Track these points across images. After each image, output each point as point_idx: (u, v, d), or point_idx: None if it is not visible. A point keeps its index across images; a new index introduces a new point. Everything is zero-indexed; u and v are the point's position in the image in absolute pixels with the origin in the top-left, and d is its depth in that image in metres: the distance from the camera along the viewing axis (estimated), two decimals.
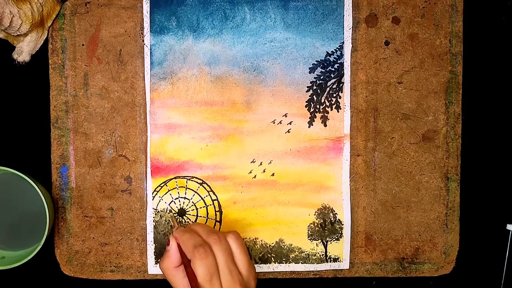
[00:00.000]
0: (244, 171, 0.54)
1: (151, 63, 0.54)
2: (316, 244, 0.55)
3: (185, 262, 0.45)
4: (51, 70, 0.54)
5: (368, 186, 0.55)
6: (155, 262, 0.55)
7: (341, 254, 0.55)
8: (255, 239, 0.55)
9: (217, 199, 0.55)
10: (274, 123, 0.54)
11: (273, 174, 0.55)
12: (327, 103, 0.54)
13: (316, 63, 0.54)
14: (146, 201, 0.54)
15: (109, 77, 0.54)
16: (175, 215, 0.54)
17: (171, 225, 0.54)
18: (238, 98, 0.54)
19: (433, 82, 0.54)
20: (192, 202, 0.55)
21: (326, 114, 0.54)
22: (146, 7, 0.53)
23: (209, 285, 0.44)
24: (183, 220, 0.55)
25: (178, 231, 0.46)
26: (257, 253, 0.55)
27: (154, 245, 0.54)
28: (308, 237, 0.55)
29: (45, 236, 0.49)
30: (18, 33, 0.50)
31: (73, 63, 0.54)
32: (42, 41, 0.53)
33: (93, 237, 0.54)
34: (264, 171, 0.54)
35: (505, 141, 0.56)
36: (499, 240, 0.56)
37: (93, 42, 0.54)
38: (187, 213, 0.55)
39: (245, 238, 0.55)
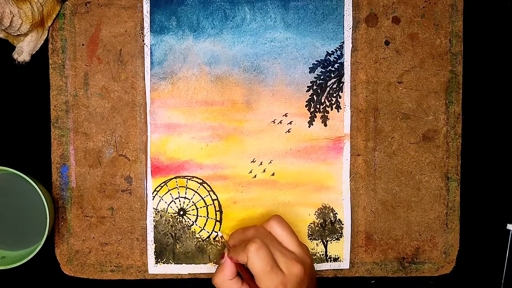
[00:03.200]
0: (244, 171, 0.54)
1: (151, 63, 0.54)
2: (316, 243, 0.55)
3: (248, 280, 0.46)
4: (51, 70, 0.54)
5: (368, 185, 0.55)
6: (155, 261, 0.55)
7: (341, 253, 0.55)
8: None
9: (217, 199, 0.55)
10: (274, 123, 0.54)
11: (273, 174, 0.55)
12: (327, 103, 0.54)
13: (316, 63, 0.54)
14: (146, 201, 0.54)
15: (109, 77, 0.54)
16: (223, 239, 0.54)
17: (224, 250, 0.54)
18: (238, 98, 0.54)
19: (433, 82, 0.55)
20: (193, 202, 0.55)
21: (326, 114, 0.54)
22: (146, 7, 0.53)
23: (272, 275, 0.44)
24: (184, 220, 0.55)
25: (232, 251, 0.47)
26: None
27: (154, 245, 0.54)
28: (308, 236, 0.55)
29: (45, 236, 0.49)
30: (18, 33, 0.50)
31: (73, 63, 0.54)
32: (42, 41, 0.53)
33: (93, 237, 0.54)
34: (264, 171, 0.54)
35: (505, 141, 0.56)
36: (499, 240, 0.56)
37: (93, 42, 0.54)
38: (187, 213, 0.55)
39: None
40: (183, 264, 0.55)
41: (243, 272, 0.47)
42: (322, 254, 0.55)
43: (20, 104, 0.54)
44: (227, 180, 0.54)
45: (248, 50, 0.54)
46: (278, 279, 0.44)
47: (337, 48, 0.54)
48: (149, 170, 0.54)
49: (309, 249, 0.55)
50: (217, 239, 0.55)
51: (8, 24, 0.48)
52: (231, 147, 0.54)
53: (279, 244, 0.46)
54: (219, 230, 0.53)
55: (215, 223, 0.55)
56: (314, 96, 0.54)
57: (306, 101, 0.54)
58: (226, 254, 0.48)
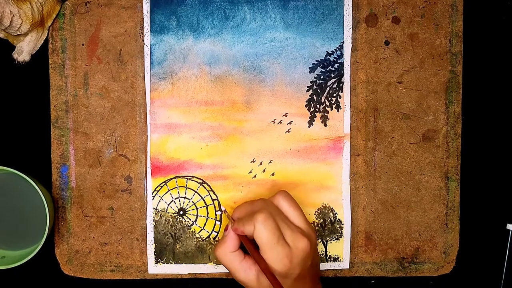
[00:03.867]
0: (244, 171, 0.54)
1: (151, 63, 0.54)
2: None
3: (253, 252, 0.44)
4: (51, 70, 0.54)
5: (368, 185, 0.55)
6: (155, 261, 0.55)
7: (341, 253, 0.55)
8: None
9: (217, 199, 0.55)
10: (274, 122, 0.54)
11: (273, 174, 0.55)
12: (327, 103, 0.54)
13: (316, 62, 0.54)
14: (146, 200, 0.54)
15: (109, 77, 0.54)
16: (227, 213, 0.53)
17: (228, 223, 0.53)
18: (238, 97, 0.54)
19: (433, 82, 0.55)
20: (192, 201, 0.55)
21: (326, 114, 0.54)
22: (146, 6, 0.53)
23: (278, 247, 0.43)
24: (184, 220, 0.55)
25: (236, 222, 0.46)
26: None
27: (154, 244, 0.54)
28: None
29: (45, 236, 0.49)
30: (18, 33, 0.50)
31: (73, 62, 0.54)
32: (42, 41, 0.53)
33: (93, 237, 0.55)
34: (264, 170, 0.54)
35: (505, 141, 0.56)
36: (499, 240, 0.56)
37: (93, 41, 0.54)
38: (187, 212, 0.55)
39: None
40: (183, 264, 0.55)
41: (248, 244, 0.45)
42: (322, 254, 0.55)
43: (20, 104, 0.54)
44: (227, 180, 0.55)
45: (248, 50, 0.54)
46: (284, 251, 0.43)
47: (337, 48, 0.54)
48: (149, 170, 0.54)
49: None
50: (221, 214, 0.54)
51: (8, 24, 0.48)
52: (231, 147, 0.54)
53: (285, 218, 0.45)
54: (223, 209, 0.51)
55: (215, 223, 0.55)
56: (314, 96, 0.54)
57: (306, 101, 0.54)
58: (230, 226, 0.46)
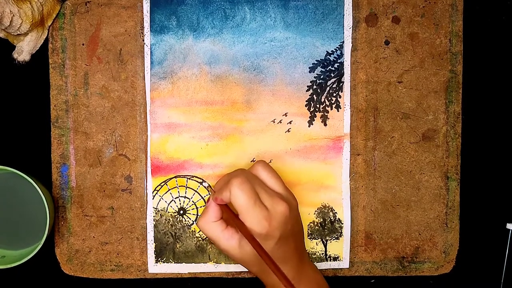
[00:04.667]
0: None
1: (151, 63, 0.54)
2: (316, 243, 0.55)
3: (233, 217, 0.45)
4: (51, 70, 0.54)
5: (368, 185, 0.55)
6: (155, 261, 0.55)
7: (341, 253, 0.55)
8: None
9: None
10: (274, 122, 0.54)
11: None
12: (327, 103, 0.54)
13: (316, 62, 0.54)
14: (146, 200, 0.54)
15: (109, 77, 0.54)
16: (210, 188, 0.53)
17: (209, 195, 0.53)
18: (238, 97, 0.54)
19: (433, 82, 0.55)
20: (192, 201, 0.55)
21: (326, 114, 0.54)
22: (146, 6, 0.53)
23: (255, 209, 0.43)
24: (184, 219, 0.55)
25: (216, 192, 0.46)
26: None
27: (154, 244, 0.55)
28: (308, 236, 0.55)
29: (45, 236, 0.49)
30: (18, 33, 0.50)
31: (73, 62, 0.54)
32: (42, 41, 0.53)
33: (94, 236, 0.55)
34: None
35: (505, 141, 0.56)
36: (499, 239, 0.56)
37: (93, 41, 0.54)
38: (187, 212, 0.55)
39: None
40: (183, 263, 0.55)
41: (228, 212, 0.46)
42: (322, 254, 0.55)
43: (20, 104, 0.54)
44: None
45: (248, 50, 0.54)
46: (262, 213, 0.43)
47: (337, 47, 0.54)
48: (149, 169, 0.54)
49: (309, 248, 0.55)
50: (206, 187, 0.54)
51: (8, 24, 0.48)
52: (231, 146, 0.54)
53: (264, 185, 0.46)
54: (207, 185, 0.51)
55: None
56: (314, 96, 0.54)
57: (306, 101, 0.54)
58: (211, 198, 0.47)
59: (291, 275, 0.46)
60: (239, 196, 0.43)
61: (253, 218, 0.43)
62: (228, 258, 0.53)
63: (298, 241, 0.48)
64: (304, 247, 0.49)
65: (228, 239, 0.45)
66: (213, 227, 0.46)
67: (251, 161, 0.54)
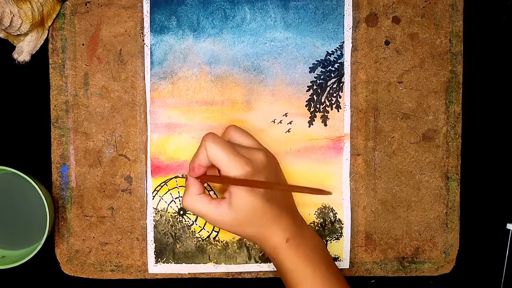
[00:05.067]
0: None
1: (151, 63, 0.54)
2: None
3: (215, 177, 0.46)
4: (51, 70, 0.54)
5: (368, 185, 0.55)
6: (155, 261, 0.55)
7: (341, 253, 0.55)
8: None
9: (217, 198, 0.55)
10: (274, 122, 0.54)
11: None
12: (327, 103, 0.54)
13: (316, 62, 0.54)
14: (146, 200, 0.54)
15: (109, 77, 0.54)
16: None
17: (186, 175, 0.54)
18: (238, 97, 0.54)
19: (433, 82, 0.55)
20: None
21: (326, 114, 0.54)
22: (146, 6, 0.53)
23: (234, 157, 0.43)
24: (184, 219, 0.55)
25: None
26: (257, 252, 0.55)
27: (154, 244, 0.54)
28: None
29: (45, 236, 0.49)
30: (18, 33, 0.50)
31: (73, 62, 0.54)
32: (43, 41, 0.53)
33: (93, 237, 0.55)
34: None
35: (505, 141, 0.56)
36: (499, 239, 0.56)
37: (93, 41, 0.54)
38: (187, 212, 0.55)
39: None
40: (183, 263, 0.55)
41: (209, 177, 0.46)
42: None
43: (20, 104, 0.54)
44: None
45: (248, 50, 0.54)
46: (242, 159, 0.44)
47: (337, 48, 0.54)
48: (149, 169, 0.54)
49: None
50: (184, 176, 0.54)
51: (8, 24, 0.48)
52: None
53: (237, 144, 0.47)
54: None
55: None
56: (314, 96, 0.54)
57: (306, 101, 0.54)
58: (188, 175, 0.47)
59: (291, 229, 0.46)
60: (216, 150, 0.44)
61: (236, 166, 0.43)
62: (222, 229, 0.51)
63: (287, 198, 0.48)
64: (296, 209, 0.50)
65: (217, 206, 0.45)
66: (199, 201, 0.46)
67: None
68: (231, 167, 0.44)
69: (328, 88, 0.54)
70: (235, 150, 0.45)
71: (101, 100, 0.54)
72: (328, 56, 0.54)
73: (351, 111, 0.54)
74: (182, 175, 0.54)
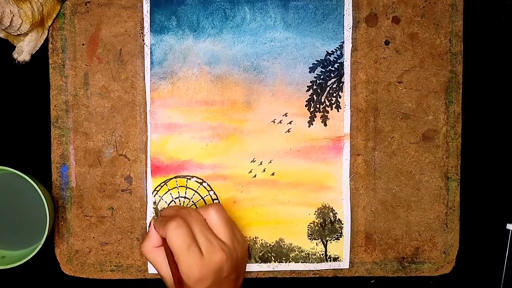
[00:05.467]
0: (244, 171, 0.54)
1: (151, 63, 0.54)
2: (316, 243, 0.55)
3: (168, 253, 0.45)
4: (51, 70, 0.54)
5: (368, 185, 0.55)
6: None
7: (341, 253, 0.55)
8: (255, 238, 0.55)
9: (217, 199, 0.55)
10: (274, 122, 0.54)
11: (273, 174, 0.55)
12: (327, 103, 0.54)
13: (316, 62, 0.54)
14: (146, 200, 0.54)
15: (109, 77, 0.54)
16: (155, 206, 0.54)
17: (153, 216, 0.54)
18: (238, 97, 0.54)
19: (433, 82, 0.55)
20: (192, 201, 0.55)
21: (326, 114, 0.54)
22: (146, 6, 0.53)
23: (189, 254, 0.43)
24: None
25: (158, 221, 0.46)
26: (257, 252, 0.55)
27: None
28: (308, 236, 0.55)
29: (45, 236, 0.49)
30: (18, 33, 0.50)
31: (73, 62, 0.54)
32: (42, 41, 0.53)
33: (93, 237, 0.55)
34: (264, 170, 0.55)
35: (505, 141, 0.56)
36: (499, 239, 0.56)
37: (93, 41, 0.54)
38: None
39: (245, 237, 0.55)
40: None
41: (165, 244, 0.46)
42: (322, 254, 0.55)
43: (20, 104, 0.54)
44: (227, 180, 0.55)
45: (248, 50, 0.54)
46: (194, 260, 0.43)
47: (337, 48, 0.54)
48: (149, 169, 0.54)
49: (309, 248, 0.55)
50: (152, 204, 0.54)
51: (8, 24, 0.48)
52: (231, 147, 0.54)
53: (207, 230, 0.45)
54: (154, 202, 0.51)
55: None
56: (314, 96, 0.54)
57: (306, 101, 0.54)
58: (152, 223, 0.47)
59: None
60: (174, 240, 0.44)
61: (185, 263, 0.43)
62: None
63: (233, 286, 0.47)
64: None
65: (166, 268, 0.46)
66: (155, 253, 0.46)
67: (251, 161, 0.54)
68: (182, 262, 0.43)
69: (328, 88, 0.54)
70: (193, 245, 0.43)
71: (101, 100, 0.54)
72: (328, 56, 0.54)
73: (351, 111, 0.54)
74: (191, 178, 0.54)
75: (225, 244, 0.45)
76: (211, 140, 0.54)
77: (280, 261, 0.55)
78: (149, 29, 0.54)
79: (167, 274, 0.46)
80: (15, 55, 0.52)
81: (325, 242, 0.55)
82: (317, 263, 0.55)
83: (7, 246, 0.53)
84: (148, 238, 0.47)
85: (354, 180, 0.55)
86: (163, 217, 0.47)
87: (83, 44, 0.54)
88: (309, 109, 0.54)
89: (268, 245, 0.55)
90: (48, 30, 0.53)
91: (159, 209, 0.54)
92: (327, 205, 0.55)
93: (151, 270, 0.55)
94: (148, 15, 0.53)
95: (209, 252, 0.44)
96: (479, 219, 0.56)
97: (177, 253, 0.44)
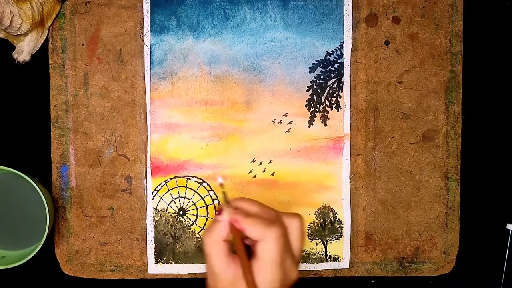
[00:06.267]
0: (244, 171, 0.54)
1: (151, 63, 0.54)
2: (316, 243, 0.55)
3: (243, 255, 0.40)
4: (51, 70, 0.54)
5: (368, 185, 0.55)
6: (155, 261, 0.55)
7: (341, 253, 0.55)
8: None
9: (217, 199, 0.55)
10: (274, 122, 0.54)
11: (273, 174, 0.55)
12: (327, 103, 0.54)
13: (316, 62, 0.54)
14: (146, 200, 0.54)
15: (109, 77, 0.54)
16: (224, 189, 0.45)
17: (222, 204, 0.44)
18: (238, 97, 0.54)
19: (433, 82, 0.55)
20: (192, 201, 0.55)
21: (326, 114, 0.54)
22: (146, 6, 0.53)
23: (278, 268, 0.39)
24: (184, 219, 0.55)
25: (238, 213, 0.40)
26: None
27: (154, 244, 0.54)
28: (308, 236, 0.55)
29: (45, 236, 0.49)
30: (18, 33, 0.50)
31: (73, 62, 0.54)
32: (42, 41, 0.53)
33: (93, 237, 0.54)
34: (264, 170, 0.55)
35: (505, 141, 0.56)
36: (499, 239, 0.56)
37: (93, 41, 0.54)
38: (187, 212, 0.55)
39: None
40: (183, 264, 0.55)
41: (240, 245, 0.40)
42: (322, 254, 0.55)
43: (20, 104, 0.54)
44: (227, 179, 0.55)
45: (248, 50, 0.54)
46: (279, 275, 0.39)
47: (337, 48, 0.54)
48: (149, 169, 0.54)
49: (309, 248, 0.55)
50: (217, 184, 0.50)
51: (8, 24, 0.48)
52: (231, 147, 0.54)
53: (290, 245, 0.41)
54: (221, 181, 0.44)
55: None
56: (314, 96, 0.54)
57: (306, 101, 0.54)
58: (224, 211, 0.40)
59: None
60: (273, 249, 0.39)
61: (269, 276, 0.39)
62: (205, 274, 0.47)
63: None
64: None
65: (227, 268, 0.40)
66: (220, 248, 0.40)
67: (251, 161, 0.54)
68: (266, 273, 0.39)
69: (328, 88, 0.54)
70: (284, 260, 0.39)
71: (101, 100, 0.54)
72: (328, 56, 0.54)
73: (351, 111, 0.54)
74: (190, 178, 0.54)
75: (297, 261, 0.41)
76: (211, 140, 0.54)
77: None
78: (149, 29, 0.54)
79: (223, 271, 0.40)
80: (15, 55, 0.52)
81: (325, 242, 0.55)
82: (317, 263, 0.55)
83: (7, 246, 0.53)
84: (217, 228, 0.39)
85: (354, 180, 0.55)
86: (244, 213, 0.40)
87: (83, 44, 0.54)
88: (309, 109, 0.54)
89: None
90: (48, 30, 0.53)
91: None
92: (327, 205, 0.55)
93: (151, 270, 0.55)
94: (148, 15, 0.53)
95: (291, 270, 0.40)
96: (479, 219, 0.56)
97: (267, 262, 0.39)
